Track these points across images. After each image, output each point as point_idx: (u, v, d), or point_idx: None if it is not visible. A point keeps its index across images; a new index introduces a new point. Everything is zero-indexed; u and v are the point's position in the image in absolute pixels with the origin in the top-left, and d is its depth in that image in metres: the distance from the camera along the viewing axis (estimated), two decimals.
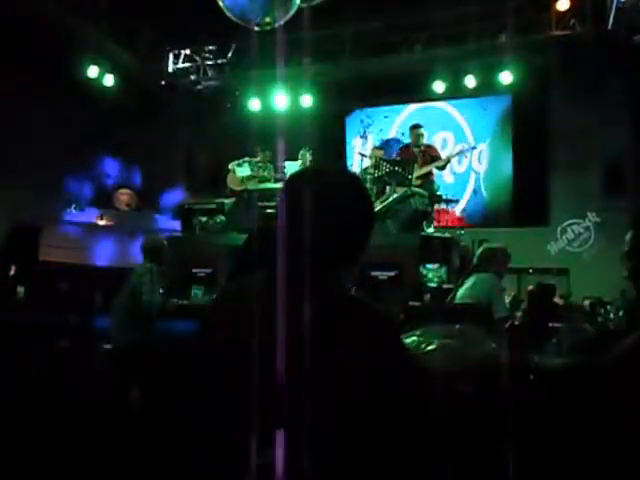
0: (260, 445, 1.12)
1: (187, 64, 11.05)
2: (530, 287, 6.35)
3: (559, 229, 10.24)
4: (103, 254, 10.62)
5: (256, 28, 4.18)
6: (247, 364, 1.17)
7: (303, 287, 1.16)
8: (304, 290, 1.16)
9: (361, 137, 10.92)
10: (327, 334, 1.18)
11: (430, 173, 7.44)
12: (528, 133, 10.54)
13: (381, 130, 11.72)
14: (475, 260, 4.52)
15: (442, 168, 7.74)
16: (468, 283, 4.37)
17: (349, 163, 11.42)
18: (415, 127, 7.75)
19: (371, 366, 1.17)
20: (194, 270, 6.86)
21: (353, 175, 1.52)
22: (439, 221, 7.60)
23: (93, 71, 9.59)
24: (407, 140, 8.30)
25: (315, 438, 1.11)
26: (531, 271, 9.53)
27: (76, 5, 8.71)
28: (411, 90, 10.81)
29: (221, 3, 4.13)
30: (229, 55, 10.67)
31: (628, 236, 1.78)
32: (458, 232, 7.71)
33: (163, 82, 11.03)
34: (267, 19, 3.98)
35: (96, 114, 9.53)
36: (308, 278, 1.17)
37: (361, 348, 1.17)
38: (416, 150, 7.49)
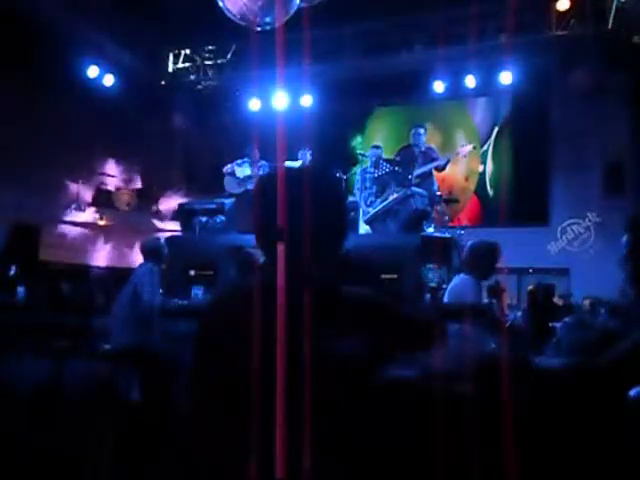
0: (261, 444, 1.12)
1: (187, 64, 11.05)
2: (530, 287, 6.34)
3: (559, 229, 10.23)
4: (103, 254, 10.62)
5: (256, 28, 4.17)
6: (245, 361, 1.17)
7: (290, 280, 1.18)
8: (291, 282, 1.17)
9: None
10: (316, 323, 1.18)
11: (430, 173, 7.42)
12: (528, 133, 10.54)
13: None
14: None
15: (442, 169, 7.73)
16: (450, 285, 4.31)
17: (349, 163, 11.41)
18: (416, 127, 7.73)
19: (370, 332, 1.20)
20: (194, 270, 6.85)
21: (324, 169, 1.55)
22: (439, 221, 7.58)
23: (93, 71, 9.59)
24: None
25: (315, 428, 1.11)
26: (531, 271, 9.53)
27: (76, 5, 8.71)
28: (411, 90, 10.81)
29: (221, 3, 4.12)
30: (229, 55, 10.67)
31: (624, 239, 1.77)
32: (458, 232, 7.69)
33: (163, 82, 11.03)
34: (267, 19, 3.97)
35: (96, 114, 9.52)
36: (290, 270, 1.18)
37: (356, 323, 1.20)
38: (416, 150, 7.47)
